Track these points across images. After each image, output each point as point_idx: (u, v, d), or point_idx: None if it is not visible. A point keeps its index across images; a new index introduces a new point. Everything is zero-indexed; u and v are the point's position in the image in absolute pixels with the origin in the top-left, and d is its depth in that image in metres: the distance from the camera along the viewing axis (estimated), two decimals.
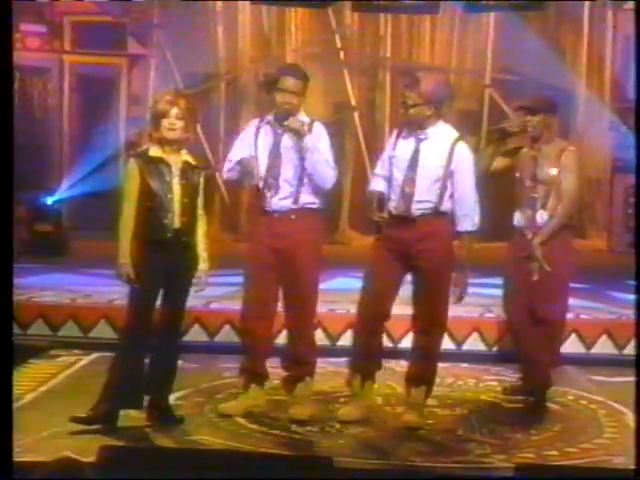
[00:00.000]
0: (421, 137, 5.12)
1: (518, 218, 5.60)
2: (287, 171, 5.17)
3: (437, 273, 5.10)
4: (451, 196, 5.11)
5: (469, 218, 5.12)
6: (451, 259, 5.14)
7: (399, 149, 5.17)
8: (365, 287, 5.26)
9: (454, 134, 5.16)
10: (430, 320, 5.19)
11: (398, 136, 5.22)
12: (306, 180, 5.17)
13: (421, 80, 5.11)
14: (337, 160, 5.36)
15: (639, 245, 5.09)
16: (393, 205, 5.13)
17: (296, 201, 5.17)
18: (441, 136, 5.12)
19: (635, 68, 4.72)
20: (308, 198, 5.20)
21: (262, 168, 5.19)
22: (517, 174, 5.61)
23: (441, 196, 5.08)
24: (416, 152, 5.10)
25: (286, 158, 5.17)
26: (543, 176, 5.54)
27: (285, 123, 5.15)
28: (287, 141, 5.18)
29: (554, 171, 5.53)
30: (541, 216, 5.52)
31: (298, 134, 5.13)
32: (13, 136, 3.84)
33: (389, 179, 5.18)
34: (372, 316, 5.23)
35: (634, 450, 4.07)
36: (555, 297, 5.60)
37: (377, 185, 5.26)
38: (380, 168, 5.30)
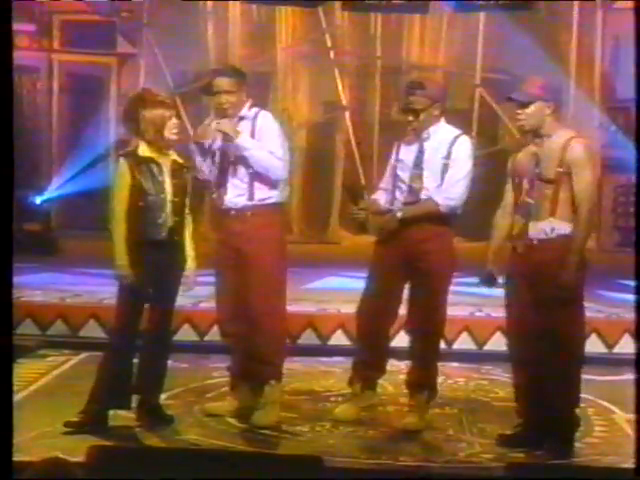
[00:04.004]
0: (424, 137, 5.15)
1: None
2: (238, 169, 5.15)
3: (438, 276, 5.10)
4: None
5: (444, 191, 5.06)
6: (453, 263, 5.16)
7: (402, 155, 5.21)
8: (368, 288, 5.21)
9: (456, 131, 5.20)
10: (427, 325, 5.16)
11: (399, 146, 5.25)
12: (257, 175, 5.13)
13: (424, 82, 5.19)
14: (327, 159, 5.36)
15: (638, 245, 4.89)
16: (401, 201, 5.13)
17: (251, 197, 5.13)
18: (443, 134, 5.16)
19: (635, 68, 4.63)
20: (263, 193, 5.14)
21: (215, 165, 5.20)
22: (515, 177, 4.84)
23: None
24: (420, 152, 5.14)
25: (234, 156, 5.15)
26: (546, 175, 4.70)
27: (216, 126, 5.13)
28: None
29: (559, 168, 4.67)
30: (551, 225, 4.68)
31: (228, 136, 5.11)
32: (13, 137, 3.80)
33: (394, 183, 5.19)
34: (376, 320, 5.18)
35: (634, 450, 4.06)
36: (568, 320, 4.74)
37: (378, 196, 5.29)
38: (383, 182, 5.34)
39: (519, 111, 4.76)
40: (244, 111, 5.20)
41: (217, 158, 5.20)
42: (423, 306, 5.14)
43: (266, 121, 5.21)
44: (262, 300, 5.10)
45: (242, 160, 5.13)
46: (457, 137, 5.16)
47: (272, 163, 5.11)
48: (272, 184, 5.15)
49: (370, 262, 5.26)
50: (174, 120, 4.95)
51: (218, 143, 5.20)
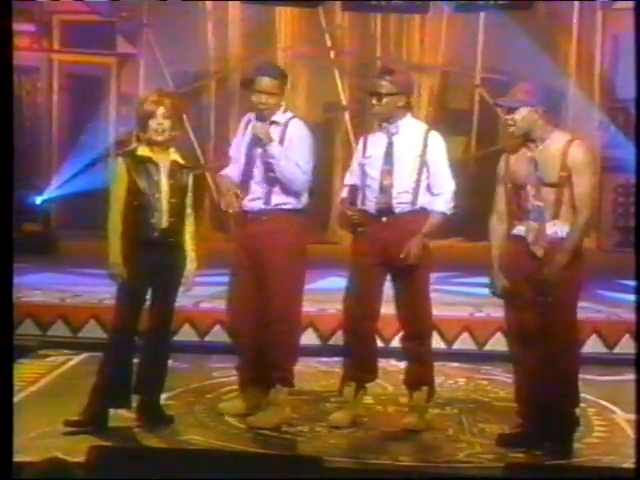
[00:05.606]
0: (392, 131, 5.12)
1: (521, 232, 4.79)
2: (260, 172, 5.13)
3: (415, 273, 5.07)
4: (427, 189, 5.09)
5: (443, 198, 5.08)
6: (429, 259, 5.14)
7: (370, 151, 5.17)
8: (348, 290, 5.21)
9: (424, 126, 5.21)
10: (414, 323, 5.16)
11: (365, 142, 5.22)
12: (277, 181, 5.10)
13: (393, 69, 5.17)
14: (327, 160, 5.34)
15: (638, 245, 4.88)
16: (373, 201, 5.10)
17: (267, 202, 5.11)
18: (413, 128, 5.15)
19: (635, 68, 4.62)
20: (280, 199, 5.12)
21: (241, 165, 5.18)
22: (510, 182, 4.82)
23: (417, 188, 5.07)
24: (390, 146, 5.11)
25: (259, 159, 5.14)
26: (549, 179, 4.71)
27: (252, 129, 5.11)
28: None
29: (562, 172, 4.68)
30: (554, 228, 4.70)
31: (261, 141, 5.08)
32: (13, 137, 3.80)
33: (363, 182, 5.14)
34: (359, 319, 5.17)
35: (634, 450, 4.06)
36: (565, 321, 4.76)
37: (346, 193, 5.23)
38: (349, 178, 5.27)
39: (508, 117, 4.81)
40: (278, 115, 5.14)
41: (243, 160, 5.17)
42: (407, 306, 5.14)
43: (298, 130, 5.14)
44: (275, 304, 5.07)
45: (265, 165, 5.10)
46: (428, 132, 5.13)
47: (296, 176, 5.08)
48: (290, 191, 5.12)
49: (350, 263, 5.23)
50: (159, 119, 4.86)
51: (246, 146, 5.17)
